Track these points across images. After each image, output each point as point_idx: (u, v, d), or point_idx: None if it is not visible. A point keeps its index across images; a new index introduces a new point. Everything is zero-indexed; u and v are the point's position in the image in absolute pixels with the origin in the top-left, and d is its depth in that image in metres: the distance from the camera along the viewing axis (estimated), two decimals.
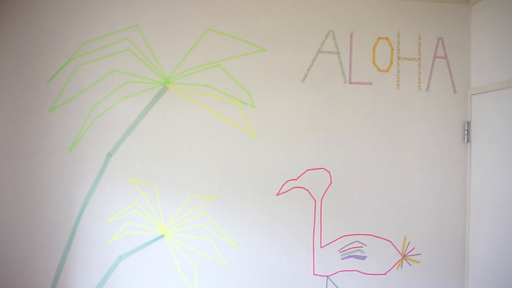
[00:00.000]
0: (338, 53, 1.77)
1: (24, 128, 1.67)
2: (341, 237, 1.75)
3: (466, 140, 1.77)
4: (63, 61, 1.69)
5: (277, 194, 1.73)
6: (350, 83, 1.77)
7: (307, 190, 1.73)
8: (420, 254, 1.78)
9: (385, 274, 1.77)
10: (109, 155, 1.69)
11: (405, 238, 1.77)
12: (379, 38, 1.79)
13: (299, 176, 1.73)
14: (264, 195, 1.72)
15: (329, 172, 1.74)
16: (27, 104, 1.68)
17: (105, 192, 1.70)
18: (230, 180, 1.72)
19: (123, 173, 1.70)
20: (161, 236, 1.71)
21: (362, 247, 1.76)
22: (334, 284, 1.76)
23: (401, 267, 1.78)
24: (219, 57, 1.73)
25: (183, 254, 1.72)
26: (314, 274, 1.75)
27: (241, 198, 1.72)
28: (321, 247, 1.75)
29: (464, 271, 1.78)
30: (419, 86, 1.79)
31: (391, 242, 1.77)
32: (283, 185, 1.73)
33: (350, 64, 1.77)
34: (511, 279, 1.52)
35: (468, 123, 1.77)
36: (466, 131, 1.76)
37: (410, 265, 1.78)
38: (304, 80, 1.76)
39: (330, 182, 1.74)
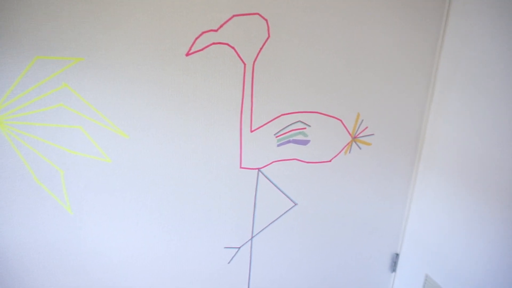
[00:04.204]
0: None
1: None
2: (279, 116, 1.31)
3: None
4: None
5: (187, 54, 1.15)
6: None
7: (233, 48, 1.18)
8: (373, 134, 1.47)
9: (330, 161, 1.44)
10: None
11: (358, 115, 1.41)
12: None
13: (221, 26, 1.15)
14: (167, 54, 1.13)
15: (266, 20, 1.19)
16: None
17: None
18: (110, 32, 1.06)
19: None
20: None
21: (305, 128, 1.36)
22: (266, 177, 1.38)
23: (349, 152, 1.46)
24: None
25: (37, 153, 1.11)
26: (241, 167, 1.33)
27: (128, 61, 1.10)
28: (251, 132, 1.30)
29: (416, 151, 1.55)
30: None
31: (341, 120, 1.40)
32: (197, 38, 1.14)
33: None
34: (471, 159, 1.30)
35: None
36: None
37: (360, 149, 1.47)
38: None
39: (267, 36, 1.21)
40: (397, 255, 1.71)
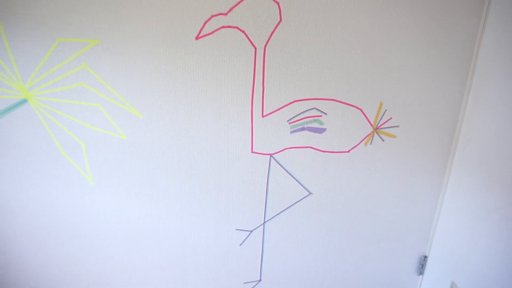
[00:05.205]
0: None
1: None
2: (292, 102, 1.28)
3: None
4: None
5: (197, 38, 1.18)
6: None
7: (243, 31, 1.18)
8: (397, 126, 1.37)
9: (348, 151, 1.39)
10: None
11: (380, 104, 1.33)
12: None
13: (230, 9, 1.15)
14: (177, 38, 1.17)
15: (277, 3, 1.17)
16: None
17: None
18: (123, 16, 1.13)
19: None
20: (23, 101, 1.19)
21: (321, 116, 1.32)
22: (279, 163, 1.37)
23: (370, 143, 1.39)
24: None
25: (62, 127, 1.23)
26: (252, 151, 1.34)
27: (141, 44, 1.16)
28: (262, 117, 1.29)
29: (450, 147, 1.42)
30: None
31: (361, 109, 1.33)
32: (206, 22, 1.16)
33: None
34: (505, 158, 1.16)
35: None
36: None
37: (383, 141, 1.39)
38: None
39: (279, 19, 1.18)
40: (425, 257, 1.60)
